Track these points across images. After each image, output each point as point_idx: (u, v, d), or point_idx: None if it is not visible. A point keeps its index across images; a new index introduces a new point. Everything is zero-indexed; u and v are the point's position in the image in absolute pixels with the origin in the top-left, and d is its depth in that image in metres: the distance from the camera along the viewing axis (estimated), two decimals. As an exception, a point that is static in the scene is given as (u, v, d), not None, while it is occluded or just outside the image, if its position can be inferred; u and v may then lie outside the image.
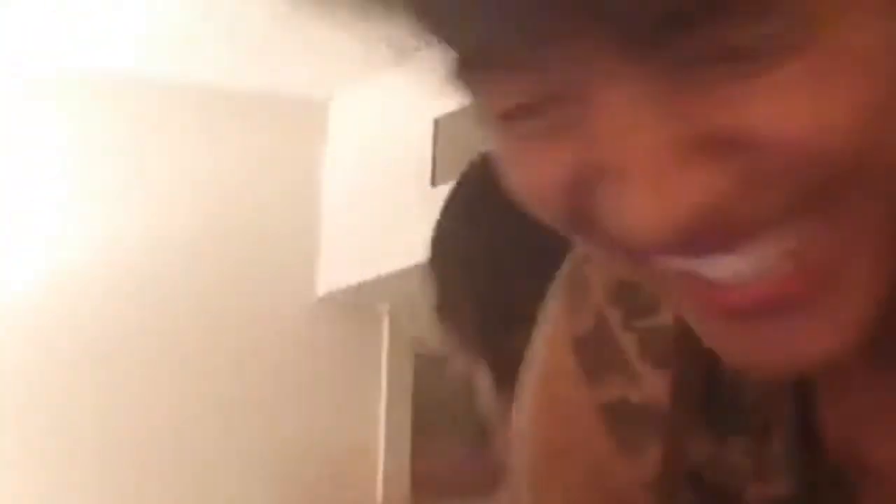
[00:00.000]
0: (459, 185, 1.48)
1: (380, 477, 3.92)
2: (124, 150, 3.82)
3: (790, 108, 0.49)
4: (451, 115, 3.51)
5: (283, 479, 3.81)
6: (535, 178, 0.55)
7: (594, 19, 0.49)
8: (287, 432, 3.85)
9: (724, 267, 0.53)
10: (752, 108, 0.50)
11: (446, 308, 1.48)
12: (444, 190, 1.46)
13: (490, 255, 1.42)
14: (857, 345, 0.56)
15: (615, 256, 0.57)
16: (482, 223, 1.43)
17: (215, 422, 3.79)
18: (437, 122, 3.63)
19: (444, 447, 4.23)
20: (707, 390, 0.71)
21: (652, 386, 0.72)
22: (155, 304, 3.77)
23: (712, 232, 0.51)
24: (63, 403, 3.65)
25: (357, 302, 3.94)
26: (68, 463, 3.64)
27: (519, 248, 1.30)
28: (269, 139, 3.97)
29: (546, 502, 0.77)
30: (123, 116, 3.82)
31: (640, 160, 0.50)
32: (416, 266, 4.27)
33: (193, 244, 3.83)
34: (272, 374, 3.86)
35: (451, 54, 0.54)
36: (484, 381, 1.45)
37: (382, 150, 3.83)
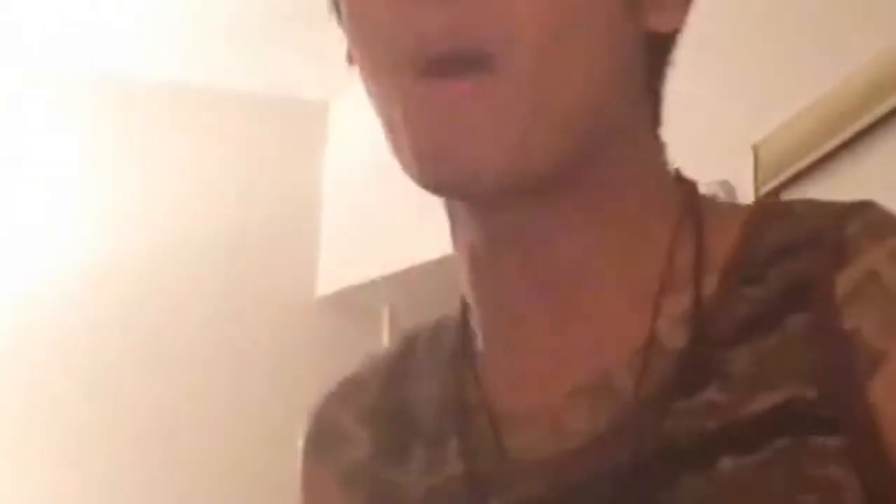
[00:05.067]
0: None
1: (380, 477, 3.91)
2: (122, 151, 3.82)
3: None
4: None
5: (282, 479, 3.81)
6: None
7: None
8: (286, 432, 3.84)
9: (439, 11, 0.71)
10: None
11: None
12: (444, 190, 1.46)
13: None
14: (534, 174, 0.68)
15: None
16: None
17: (214, 422, 3.79)
18: (436, 123, 3.63)
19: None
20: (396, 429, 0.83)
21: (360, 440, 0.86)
22: (154, 303, 3.77)
23: None
24: (61, 402, 3.65)
25: (357, 302, 3.94)
26: (66, 463, 3.64)
27: None
28: (268, 139, 3.97)
29: None
30: (122, 117, 3.82)
31: None
32: (416, 266, 4.26)
33: (192, 244, 3.83)
34: (272, 374, 3.86)
35: None
36: None
37: (382, 150, 3.81)
